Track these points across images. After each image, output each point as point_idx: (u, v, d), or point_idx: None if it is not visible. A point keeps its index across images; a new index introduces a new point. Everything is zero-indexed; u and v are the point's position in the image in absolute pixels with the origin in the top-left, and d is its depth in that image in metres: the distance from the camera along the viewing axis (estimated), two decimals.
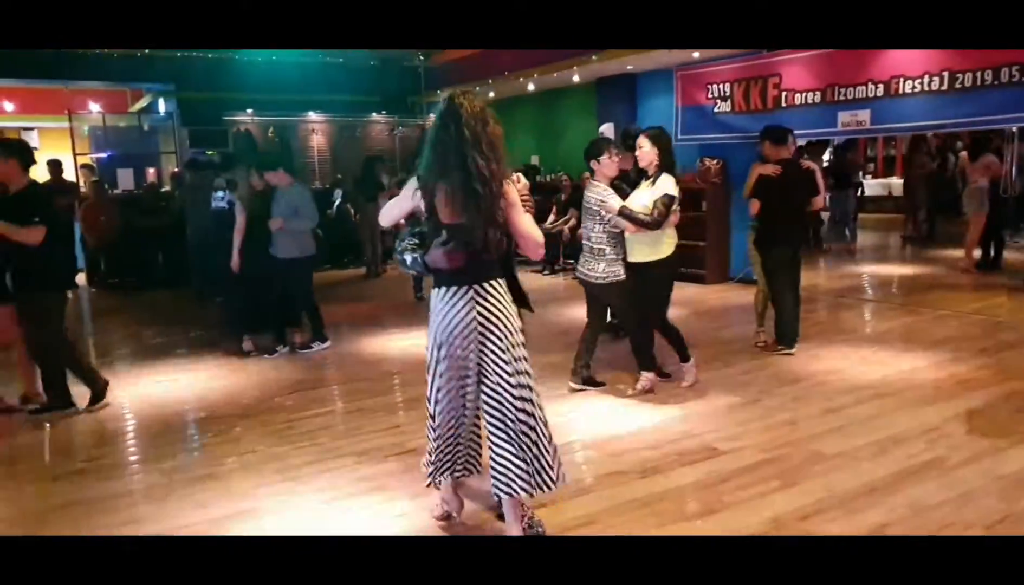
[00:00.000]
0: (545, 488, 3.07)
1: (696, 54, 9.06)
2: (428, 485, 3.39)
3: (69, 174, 11.49)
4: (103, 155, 12.86)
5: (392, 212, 3.15)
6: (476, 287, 2.97)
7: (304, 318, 6.89)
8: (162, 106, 13.13)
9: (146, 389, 5.81)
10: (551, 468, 3.07)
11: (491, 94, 12.31)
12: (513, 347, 3.01)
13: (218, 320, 7.55)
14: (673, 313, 7.69)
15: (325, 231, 8.62)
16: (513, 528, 3.10)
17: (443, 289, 3.00)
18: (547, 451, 3.06)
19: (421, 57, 12.84)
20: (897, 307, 7.83)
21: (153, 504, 3.77)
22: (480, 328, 2.98)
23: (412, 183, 2.98)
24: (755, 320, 6.43)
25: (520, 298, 3.24)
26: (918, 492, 3.55)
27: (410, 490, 3.75)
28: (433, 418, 3.18)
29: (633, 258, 4.98)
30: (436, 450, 3.25)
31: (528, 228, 3.01)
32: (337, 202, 12.23)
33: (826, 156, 13.71)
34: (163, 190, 12.17)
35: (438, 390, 3.11)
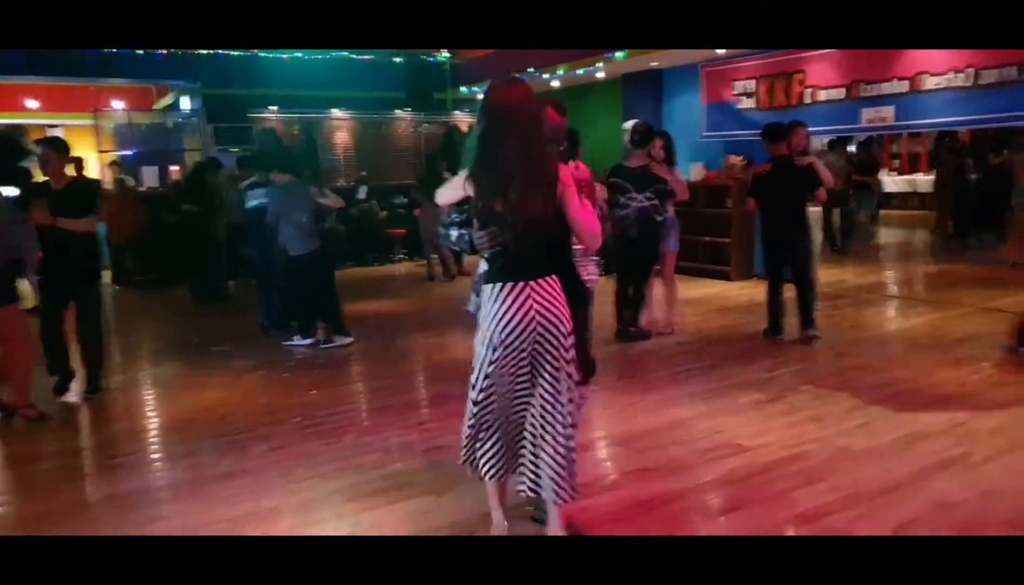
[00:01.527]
0: (574, 495, 3.02)
1: (721, 51, 9.04)
2: (484, 470, 3.10)
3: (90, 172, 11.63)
4: (128, 153, 13.03)
5: (447, 195, 3.02)
6: (533, 284, 2.85)
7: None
8: (187, 103, 13.29)
9: (173, 385, 5.93)
10: (574, 477, 3.02)
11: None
12: (568, 349, 2.92)
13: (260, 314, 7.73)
14: (697, 309, 7.79)
15: (347, 229, 8.77)
16: (557, 530, 3.05)
17: (499, 286, 2.85)
18: (574, 461, 3.01)
19: (446, 53, 12.89)
20: (922, 303, 7.79)
21: (179, 501, 3.81)
22: (540, 327, 2.84)
23: (464, 171, 2.88)
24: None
25: (573, 292, 3.11)
26: (943, 489, 3.56)
27: (436, 487, 3.79)
28: (476, 418, 3.00)
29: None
30: (490, 451, 3.04)
31: (583, 216, 2.91)
32: (361, 199, 12.33)
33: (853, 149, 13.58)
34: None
35: (487, 391, 2.95)
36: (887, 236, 13.23)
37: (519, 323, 2.82)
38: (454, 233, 3.05)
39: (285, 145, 11.97)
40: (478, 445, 3.07)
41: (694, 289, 8.93)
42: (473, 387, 3.00)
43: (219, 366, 6.38)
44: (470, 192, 2.85)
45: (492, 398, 2.96)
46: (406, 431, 4.65)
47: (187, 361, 6.59)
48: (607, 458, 4.16)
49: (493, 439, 3.04)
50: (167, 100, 13.77)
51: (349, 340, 6.84)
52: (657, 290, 6.89)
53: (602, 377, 5.43)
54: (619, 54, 9.57)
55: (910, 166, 17.83)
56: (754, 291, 8.56)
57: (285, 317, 7.10)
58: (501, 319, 2.83)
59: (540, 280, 2.86)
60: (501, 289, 2.85)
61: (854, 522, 3.28)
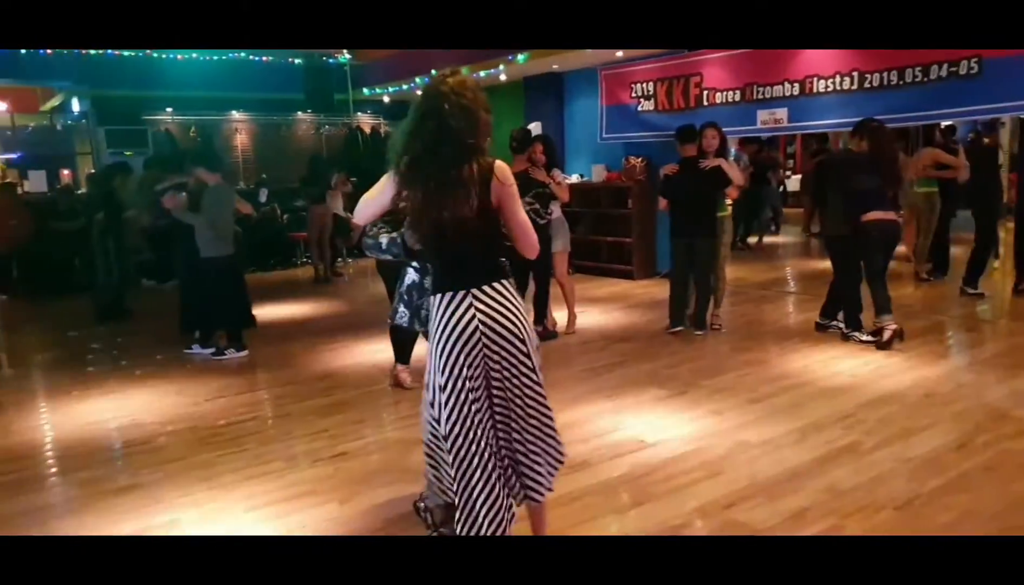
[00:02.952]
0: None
1: (620, 54, 9.19)
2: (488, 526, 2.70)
3: None
4: (12, 156, 12.28)
5: (371, 208, 2.75)
6: (475, 291, 2.62)
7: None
8: (76, 105, 12.59)
9: (64, 399, 5.58)
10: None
11: (418, 92, 12.22)
12: (528, 356, 2.68)
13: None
14: (601, 308, 7.89)
15: (248, 232, 8.46)
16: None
17: (442, 295, 2.65)
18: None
19: (347, 55, 12.67)
20: (815, 299, 8.10)
21: (70, 518, 3.63)
22: (485, 338, 2.62)
23: (391, 174, 2.63)
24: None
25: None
26: (835, 476, 3.69)
27: (339, 494, 3.72)
28: (452, 455, 2.67)
29: None
30: (480, 496, 2.64)
31: (526, 222, 2.72)
32: (262, 202, 11.98)
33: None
34: (79, 192, 11.69)
35: (450, 418, 2.64)
36: (784, 233, 13.77)
37: (463, 331, 2.60)
38: (384, 239, 2.81)
39: (181, 148, 11.57)
40: (476, 495, 2.65)
41: (598, 288, 9.06)
42: (438, 421, 2.70)
43: (112, 376, 6.06)
44: (402, 189, 2.59)
45: (466, 426, 2.64)
46: (309, 438, 4.53)
47: (80, 372, 6.22)
48: None
49: (487, 480, 2.66)
50: (55, 101, 13.00)
51: (243, 353, 6.57)
52: (554, 290, 6.95)
53: None
54: (520, 57, 9.60)
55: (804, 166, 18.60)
56: (656, 289, 8.75)
57: (208, 323, 6.78)
58: (447, 330, 2.62)
59: (485, 286, 2.62)
60: (444, 298, 2.64)
61: (753, 512, 3.36)
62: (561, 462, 2.86)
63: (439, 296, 2.66)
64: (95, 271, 8.68)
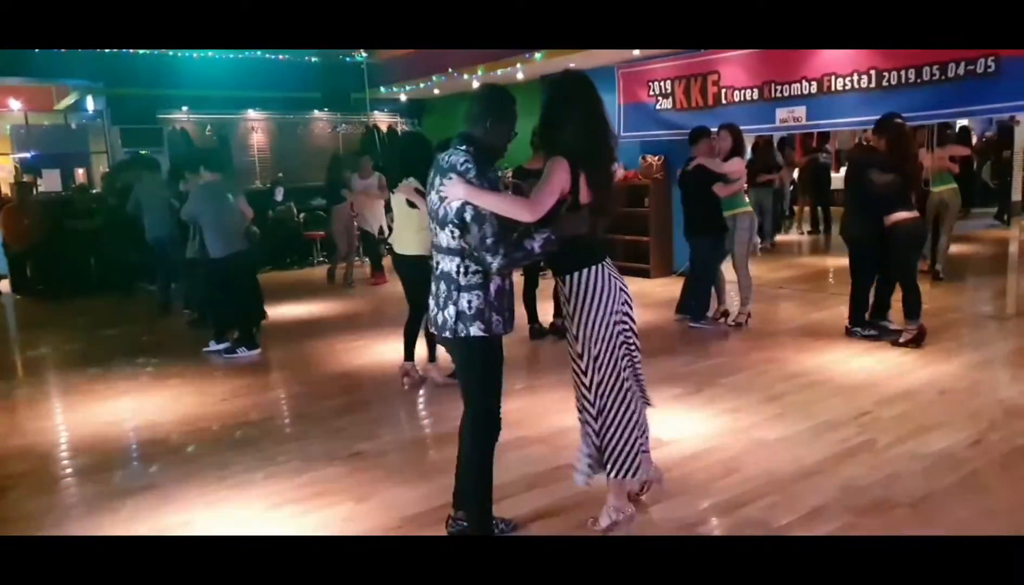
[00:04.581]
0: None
1: (637, 52, 9.17)
2: (641, 483, 3.47)
3: None
4: (26, 155, 12.37)
5: (551, 200, 2.91)
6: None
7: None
8: (91, 104, 12.66)
9: (80, 399, 5.64)
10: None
11: (436, 91, 12.28)
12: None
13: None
14: None
15: (265, 231, 8.52)
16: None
17: (602, 266, 3.10)
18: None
19: (364, 53, 12.71)
20: (830, 296, 8.08)
21: (85, 518, 3.65)
22: (626, 304, 3.20)
23: (563, 164, 2.95)
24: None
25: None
26: (850, 474, 3.70)
27: (355, 493, 3.74)
28: (616, 409, 3.19)
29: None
30: (633, 441, 3.23)
31: None
32: (278, 201, 12.04)
33: None
34: (94, 191, 11.79)
35: (621, 376, 3.18)
36: (793, 232, 13.69)
37: (618, 297, 3.16)
38: (535, 243, 2.86)
39: (196, 147, 11.63)
40: (635, 447, 3.25)
41: None
42: (607, 391, 3.19)
43: (127, 376, 6.12)
44: (589, 174, 2.99)
45: (629, 385, 3.23)
46: (326, 438, 4.56)
47: (95, 372, 6.29)
48: (532, 456, 4.15)
49: (640, 433, 3.31)
50: (69, 100, 13.07)
51: (254, 352, 6.62)
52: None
53: (521, 375, 5.46)
54: (537, 55, 9.61)
55: None
56: (673, 288, 8.71)
57: (219, 321, 6.86)
58: (612, 294, 3.11)
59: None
60: (606, 269, 3.12)
61: (770, 510, 3.38)
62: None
63: (602, 266, 3.10)
64: (165, 267, 8.71)
